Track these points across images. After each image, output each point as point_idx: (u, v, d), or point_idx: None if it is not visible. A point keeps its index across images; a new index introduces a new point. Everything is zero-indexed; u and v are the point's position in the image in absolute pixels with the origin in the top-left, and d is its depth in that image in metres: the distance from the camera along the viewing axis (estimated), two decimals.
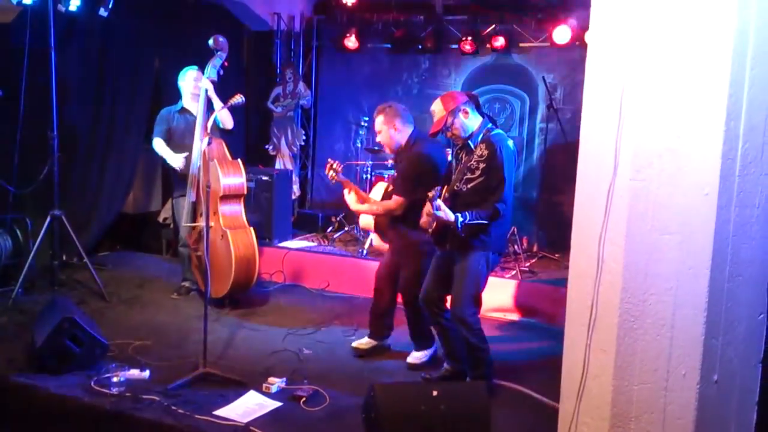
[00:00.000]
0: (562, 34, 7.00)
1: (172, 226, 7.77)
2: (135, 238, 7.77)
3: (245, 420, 3.80)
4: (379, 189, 5.23)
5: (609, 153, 2.84)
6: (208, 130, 4.88)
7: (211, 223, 5.39)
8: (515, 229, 6.57)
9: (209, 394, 4.07)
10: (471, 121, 4.13)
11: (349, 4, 7.67)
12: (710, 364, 2.76)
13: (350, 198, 4.88)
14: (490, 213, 3.95)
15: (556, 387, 3.24)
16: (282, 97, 8.36)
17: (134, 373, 4.24)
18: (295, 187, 8.39)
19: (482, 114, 4.22)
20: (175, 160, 5.72)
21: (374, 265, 6.40)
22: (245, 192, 5.81)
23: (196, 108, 5.74)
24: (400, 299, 4.89)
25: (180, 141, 5.83)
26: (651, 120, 2.75)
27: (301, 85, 8.38)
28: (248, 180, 6.80)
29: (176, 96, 7.40)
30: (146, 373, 4.28)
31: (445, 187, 4.12)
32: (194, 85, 5.77)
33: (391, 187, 4.83)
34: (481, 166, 4.00)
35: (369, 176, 7.27)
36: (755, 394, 2.93)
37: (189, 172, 5.71)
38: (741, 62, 2.64)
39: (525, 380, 4.47)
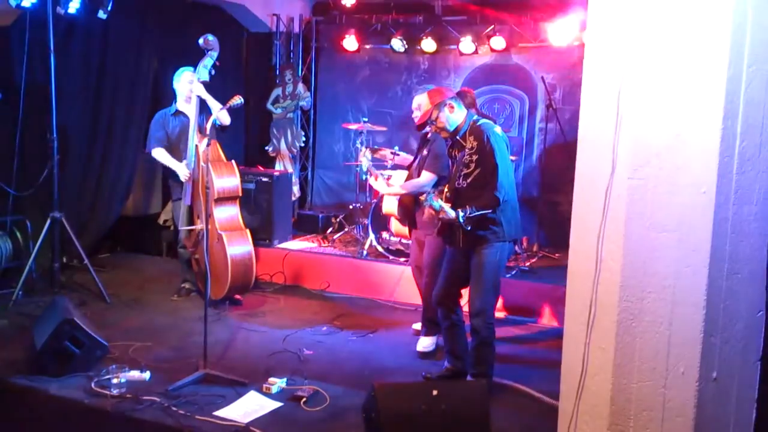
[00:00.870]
0: (561, 34, 7.01)
1: (171, 228, 7.79)
2: (135, 240, 7.78)
3: (246, 420, 3.81)
4: (399, 177, 5.37)
5: (607, 152, 2.85)
6: (207, 132, 4.89)
7: (207, 226, 5.38)
8: None
9: (210, 395, 4.08)
10: (456, 116, 4.19)
11: (348, 5, 7.67)
12: (709, 362, 2.77)
13: (380, 183, 5.10)
14: (489, 203, 3.97)
15: (556, 385, 3.25)
16: (281, 99, 8.37)
17: (135, 374, 4.25)
18: (295, 189, 8.39)
19: (479, 112, 4.26)
20: (181, 170, 5.64)
21: (374, 266, 6.46)
22: (240, 194, 5.76)
23: (189, 109, 5.70)
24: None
25: (175, 144, 5.81)
26: (648, 119, 2.76)
27: (301, 87, 8.38)
28: (248, 181, 6.82)
29: (175, 98, 7.44)
30: (147, 375, 4.28)
31: (446, 185, 4.14)
32: (188, 88, 5.73)
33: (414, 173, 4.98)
34: (474, 158, 4.06)
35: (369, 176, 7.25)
36: (754, 391, 2.93)
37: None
38: (738, 61, 2.64)
39: (525, 379, 4.47)
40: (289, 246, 7.12)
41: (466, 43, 7.44)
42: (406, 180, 5.05)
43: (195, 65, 5.60)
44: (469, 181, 4.06)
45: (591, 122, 2.99)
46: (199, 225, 5.33)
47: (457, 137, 4.20)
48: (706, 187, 2.68)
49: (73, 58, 6.57)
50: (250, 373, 4.43)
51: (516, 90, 7.72)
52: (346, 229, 7.57)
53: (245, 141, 8.59)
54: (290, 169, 8.35)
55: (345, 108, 8.56)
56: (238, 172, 5.71)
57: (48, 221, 5.78)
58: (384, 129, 7.55)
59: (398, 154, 6.35)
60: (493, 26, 7.38)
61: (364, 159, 5.11)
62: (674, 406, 2.80)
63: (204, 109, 5.57)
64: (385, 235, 6.48)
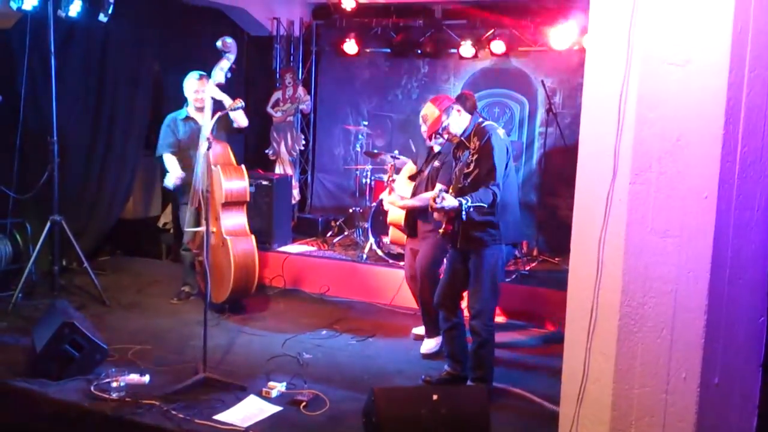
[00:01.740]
0: (561, 38, 7.01)
1: (171, 230, 7.78)
2: (134, 243, 7.76)
3: (245, 425, 3.80)
4: (401, 183, 5.38)
5: (608, 156, 2.85)
6: (212, 134, 4.86)
7: (213, 229, 5.39)
8: None
9: (209, 399, 4.07)
10: (463, 119, 4.24)
11: (349, 9, 7.68)
12: (710, 368, 2.77)
13: (394, 197, 5.07)
14: (487, 196, 3.95)
15: (556, 391, 3.24)
16: (281, 102, 8.37)
17: (134, 377, 4.23)
18: (295, 192, 8.39)
19: (478, 113, 4.31)
20: (170, 178, 5.67)
21: (374, 269, 6.45)
22: (248, 198, 5.74)
23: (200, 117, 5.68)
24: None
25: (185, 149, 5.78)
26: (650, 124, 2.76)
27: (301, 90, 8.38)
28: (249, 185, 6.80)
29: (175, 101, 7.41)
30: (146, 378, 4.27)
31: (450, 186, 4.16)
32: (194, 98, 5.71)
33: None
34: (475, 157, 4.09)
35: (369, 180, 7.26)
36: (756, 397, 2.93)
37: (192, 180, 5.65)
38: (740, 66, 2.64)
39: (525, 384, 4.46)
40: (288, 249, 7.11)
41: (466, 47, 7.45)
42: (414, 191, 5.04)
43: (200, 69, 5.60)
44: (469, 180, 4.09)
45: (592, 127, 3.00)
46: (203, 227, 5.31)
47: (462, 138, 4.24)
48: (707, 192, 2.69)
49: (74, 61, 6.57)
50: (249, 377, 4.42)
51: (516, 94, 7.72)
52: (345, 233, 7.57)
53: (245, 144, 8.58)
54: (290, 173, 8.35)
55: (345, 111, 8.56)
56: (247, 177, 5.68)
57: (48, 224, 5.77)
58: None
59: (398, 158, 6.36)
60: (493, 30, 7.39)
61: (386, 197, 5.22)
62: (676, 412, 2.79)
63: (221, 108, 5.55)
64: (385, 239, 6.48)
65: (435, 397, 3.61)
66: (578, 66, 7.04)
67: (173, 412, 3.86)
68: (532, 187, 7.60)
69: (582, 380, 2.98)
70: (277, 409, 4.02)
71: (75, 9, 5.73)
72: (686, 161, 2.71)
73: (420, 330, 5.22)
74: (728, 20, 2.61)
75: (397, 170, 5.65)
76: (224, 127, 5.77)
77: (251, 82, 8.66)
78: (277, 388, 4.21)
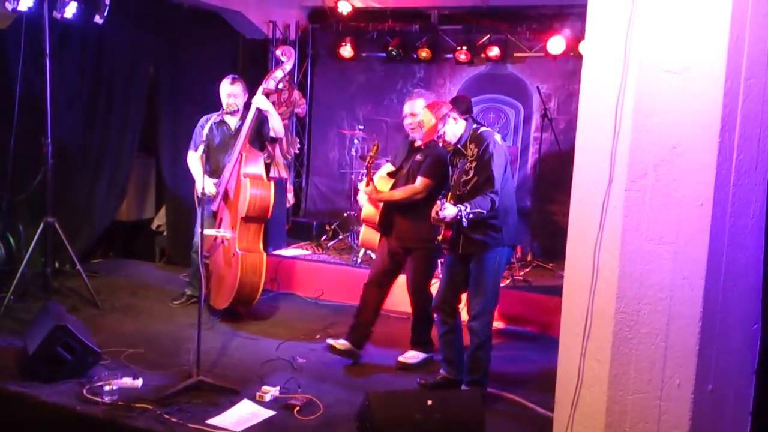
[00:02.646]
0: (556, 44, 7.03)
1: (165, 233, 7.76)
2: (128, 246, 7.75)
3: (239, 429, 3.79)
4: (381, 174, 5.18)
5: (604, 163, 2.86)
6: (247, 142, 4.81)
7: (227, 235, 5.35)
8: None
9: (202, 403, 4.05)
10: (459, 127, 4.25)
11: (345, 13, 7.68)
12: (705, 374, 2.77)
13: (371, 188, 4.87)
14: (485, 203, 3.98)
15: (551, 396, 3.24)
16: (276, 105, 8.35)
17: (127, 381, 4.21)
18: (290, 195, 8.37)
19: (472, 118, 4.32)
20: (199, 184, 5.15)
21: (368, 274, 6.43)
22: (269, 216, 5.58)
23: (233, 121, 5.65)
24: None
25: (214, 154, 5.68)
26: (646, 131, 2.76)
27: (296, 94, 8.37)
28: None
29: (171, 103, 7.43)
30: (139, 382, 4.25)
31: (449, 194, 4.17)
32: (226, 102, 5.53)
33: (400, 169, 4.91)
34: (473, 165, 4.12)
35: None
36: (749, 403, 2.94)
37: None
38: (736, 74, 2.66)
39: (519, 389, 4.47)
40: (283, 253, 7.10)
41: (462, 53, 7.46)
42: (393, 188, 4.91)
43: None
44: (468, 188, 4.11)
45: (588, 133, 3.00)
46: (221, 232, 5.29)
47: (458, 146, 4.24)
48: (703, 199, 2.70)
49: (69, 62, 6.55)
50: (243, 381, 4.41)
51: (511, 99, 7.73)
52: (340, 237, 7.56)
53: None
54: (285, 176, 8.34)
55: (340, 115, 8.55)
56: (273, 194, 5.53)
57: (41, 226, 5.74)
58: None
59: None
60: (488, 36, 7.40)
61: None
62: (670, 418, 2.80)
63: (264, 119, 5.53)
64: None
65: (429, 401, 3.61)
66: (573, 72, 7.06)
67: (166, 416, 3.84)
68: (527, 192, 7.60)
69: (576, 386, 2.99)
70: (270, 413, 4.01)
71: (70, 11, 5.69)
72: (682, 168, 2.72)
73: (337, 342, 4.96)
74: (725, 28, 2.62)
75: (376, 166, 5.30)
76: (257, 137, 5.68)
77: (247, 85, 8.62)
78: (271, 392, 4.19)
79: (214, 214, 5.65)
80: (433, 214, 3.99)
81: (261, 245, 5.59)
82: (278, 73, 5.51)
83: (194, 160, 5.65)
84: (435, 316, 4.53)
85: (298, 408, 4.05)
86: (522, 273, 6.50)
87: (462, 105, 4.66)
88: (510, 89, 7.71)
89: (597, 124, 2.92)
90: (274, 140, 5.73)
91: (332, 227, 7.72)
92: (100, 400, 3.98)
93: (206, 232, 5.44)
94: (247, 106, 5.62)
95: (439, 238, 4.18)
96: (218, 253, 5.65)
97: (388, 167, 5.21)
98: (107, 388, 4.03)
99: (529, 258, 7.09)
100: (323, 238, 7.62)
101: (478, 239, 4.13)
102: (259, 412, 4.00)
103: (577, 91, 3.07)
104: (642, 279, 2.81)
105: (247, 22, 7.87)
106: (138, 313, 5.81)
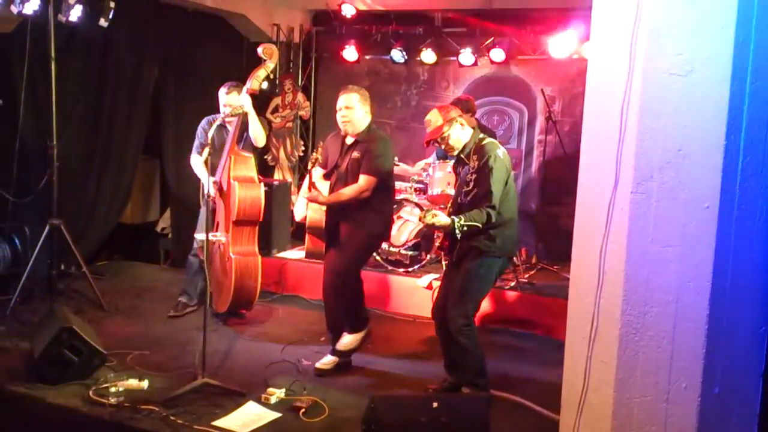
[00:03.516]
0: (560, 46, 7.03)
1: (170, 235, 7.77)
2: (133, 248, 7.75)
3: (244, 431, 3.80)
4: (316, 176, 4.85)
5: (610, 165, 2.86)
6: (239, 146, 4.76)
7: (222, 239, 5.33)
8: None
9: (208, 405, 4.06)
10: (465, 133, 4.26)
11: (349, 15, 7.69)
12: (711, 377, 2.77)
13: (315, 193, 4.60)
14: (481, 217, 4.01)
15: (557, 399, 3.24)
16: (281, 108, 8.38)
17: (133, 383, 4.22)
18: (294, 198, 8.38)
19: (478, 122, 4.32)
20: (207, 185, 5.23)
21: (373, 276, 6.42)
22: (261, 219, 5.48)
23: (231, 123, 5.57)
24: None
25: (216, 157, 5.56)
26: (652, 133, 2.76)
27: (300, 96, 8.39)
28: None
29: (175, 106, 7.44)
30: (145, 383, 4.26)
31: (449, 202, 4.19)
32: (222, 110, 5.51)
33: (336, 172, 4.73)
34: (474, 177, 4.13)
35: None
36: (756, 407, 2.93)
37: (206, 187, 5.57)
38: (742, 76, 2.66)
39: (525, 392, 4.45)
40: (287, 255, 7.10)
41: (466, 55, 7.45)
42: (332, 189, 4.71)
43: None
44: (469, 199, 4.14)
45: (594, 136, 3.01)
46: (217, 236, 5.26)
47: (462, 155, 4.26)
48: (708, 202, 2.69)
49: (74, 65, 6.55)
50: (248, 383, 4.41)
51: (515, 102, 7.73)
52: None
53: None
54: (289, 179, 8.35)
55: None
56: (263, 195, 5.45)
57: (46, 228, 5.75)
58: None
59: (397, 165, 6.36)
60: (492, 38, 7.40)
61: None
62: (676, 422, 2.80)
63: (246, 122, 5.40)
64: (384, 245, 6.46)
65: (435, 405, 3.61)
66: (578, 74, 7.06)
67: (172, 418, 3.85)
68: (532, 194, 7.61)
69: (582, 389, 2.98)
70: (276, 415, 4.02)
71: (75, 14, 5.71)
72: (688, 171, 2.72)
73: (323, 363, 4.82)
74: (730, 31, 2.62)
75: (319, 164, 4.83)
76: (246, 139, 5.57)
77: None
78: (276, 394, 4.20)
79: (213, 215, 5.62)
80: (421, 215, 4.04)
81: (256, 248, 5.51)
82: (261, 72, 5.35)
83: (198, 163, 5.65)
84: (435, 322, 4.51)
85: (303, 410, 4.06)
86: (527, 275, 6.49)
87: (465, 105, 4.65)
88: (514, 92, 7.71)
89: (602, 127, 2.92)
90: (256, 149, 5.59)
91: None
92: (106, 401, 4.00)
93: (199, 236, 5.45)
94: None
95: (437, 246, 4.22)
96: (216, 258, 5.64)
97: (319, 170, 4.89)
98: (113, 389, 4.05)
99: (534, 260, 7.09)
100: None
101: (470, 245, 4.16)
102: (264, 414, 4.01)
103: (581, 94, 3.07)
104: (648, 282, 2.81)
105: (252, 25, 7.89)
106: (143, 315, 5.82)
